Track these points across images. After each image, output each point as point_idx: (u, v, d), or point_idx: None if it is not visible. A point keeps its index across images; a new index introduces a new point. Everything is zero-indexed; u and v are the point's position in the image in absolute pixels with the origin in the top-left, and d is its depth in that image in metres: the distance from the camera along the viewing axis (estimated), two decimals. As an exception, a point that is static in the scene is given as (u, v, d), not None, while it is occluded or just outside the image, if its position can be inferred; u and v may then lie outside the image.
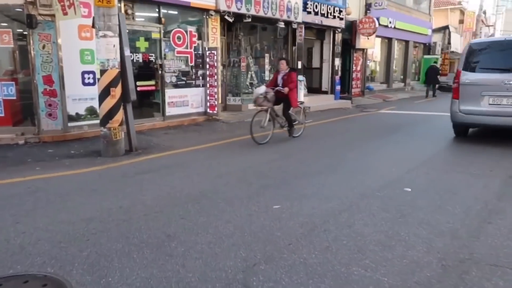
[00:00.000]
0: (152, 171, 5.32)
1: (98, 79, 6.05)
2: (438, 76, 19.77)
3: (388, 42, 20.69)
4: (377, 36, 17.85)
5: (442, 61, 25.62)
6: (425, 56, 25.28)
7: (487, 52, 7.51)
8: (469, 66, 7.37)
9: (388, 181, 4.76)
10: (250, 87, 11.73)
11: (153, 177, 5.00)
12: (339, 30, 14.50)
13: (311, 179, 4.92)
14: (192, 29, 9.48)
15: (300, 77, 12.76)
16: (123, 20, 6.19)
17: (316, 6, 12.89)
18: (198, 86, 9.83)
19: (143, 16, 8.81)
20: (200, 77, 9.87)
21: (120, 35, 6.05)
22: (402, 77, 23.39)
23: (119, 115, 6.14)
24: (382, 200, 4.06)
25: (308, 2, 12.55)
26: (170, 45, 9.05)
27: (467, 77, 7.27)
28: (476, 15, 28.59)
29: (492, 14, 41.53)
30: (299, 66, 12.93)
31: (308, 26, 13.21)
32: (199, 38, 9.73)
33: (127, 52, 6.20)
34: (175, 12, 9.47)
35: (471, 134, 8.25)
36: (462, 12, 29.14)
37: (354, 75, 17.15)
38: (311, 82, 15.13)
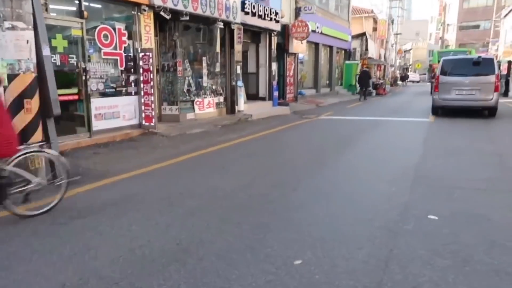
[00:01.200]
0: (94, 212, 3.89)
1: (5, 88, 4.39)
2: (370, 80, 21.05)
3: (315, 47, 20.72)
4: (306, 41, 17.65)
5: (361, 66, 26.59)
6: (347, 62, 26.05)
7: (452, 64, 12.52)
8: (443, 72, 12.31)
9: (401, 207, 3.95)
10: (187, 95, 10.42)
11: (98, 222, 3.59)
12: (275, 33, 13.84)
13: (310, 209, 3.92)
14: (121, 26, 7.95)
15: (239, 83, 11.78)
16: (39, 7, 4.62)
17: (254, 7, 12.04)
18: (130, 94, 8.31)
19: (60, 8, 7.11)
20: (133, 84, 8.36)
21: (35, 27, 4.48)
22: (327, 82, 23.70)
23: (38, 135, 4.55)
24: (419, 237, 3.21)
25: (246, 2, 11.64)
26: (95, 45, 7.45)
27: (442, 79, 12.17)
28: (387, 23, 30.36)
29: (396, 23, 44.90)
30: (238, 71, 11.94)
31: (243, 29, 12.29)
32: (130, 37, 8.22)
33: (46, 51, 4.64)
34: (100, 6, 7.88)
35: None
36: (375, 21, 30.77)
37: (287, 80, 16.65)
38: (247, 88, 14.19)
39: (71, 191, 4.56)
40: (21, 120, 4.39)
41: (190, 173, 5.52)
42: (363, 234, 3.29)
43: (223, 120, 10.76)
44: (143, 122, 8.48)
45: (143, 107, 8.43)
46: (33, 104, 4.44)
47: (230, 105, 11.80)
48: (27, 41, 4.32)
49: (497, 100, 11.79)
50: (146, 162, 6.14)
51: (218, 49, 11.48)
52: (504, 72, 26.92)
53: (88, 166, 5.84)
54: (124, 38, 8.00)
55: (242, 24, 11.57)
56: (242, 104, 11.95)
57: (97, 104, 7.52)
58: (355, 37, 27.11)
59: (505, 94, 24.33)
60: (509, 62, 26.97)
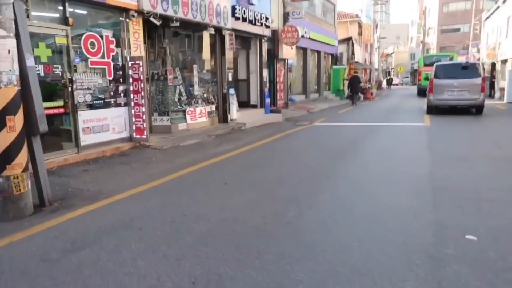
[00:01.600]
0: (90, 242, 3.42)
1: (-16, 103, 3.89)
2: (360, 85, 21.82)
3: (303, 52, 20.50)
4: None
5: (349, 71, 26.53)
6: (334, 67, 25.94)
7: (444, 69, 14.43)
8: (436, 76, 14.17)
9: (432, 225, 3.60)
10: (178, 104, 9.96)
11: (96, 256, 3.13)
12: (266, 38, 13.52)
13: (333, 231, 3.53)
14: (108, 33, 7.47)
15: (231, 91, 11.39)
16: (22, 12, 4.13)
17: (244, 12, 11.69)
18: (119, 105, 7.81)
19: (42, 14, 6.60)
20: (122, 94, 7.87)
21: (17, 35, 4.00)
22: (316, 87, 23.51)
23: (22, 156, 4.05)
24: (466, 264, 2.85)
25: (236, 7, 11.28)
26: (82, 54, 6.94)
27: (436, 81, 13.97)
28: (372, 27, 30.47)
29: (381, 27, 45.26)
30: (229, 78, 11.54)
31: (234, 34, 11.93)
32: (118, 45, 7.74)
33: (30, 61, 4.15)
34: (86, 12, 7.39)
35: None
36: (360, 25, 30.85)
37: (278, 87, 16.33)
38: (238, 95, 13.77)
39: (62, 216, 4.09)
40: (3, 140, 3.89)
41: (191, 190, 5.08)
42: (401, 261, 2.92)
43: (216, 129, 10.33)
44: (134, 134, 7.99)
45: (133, 119, 7.94)
46: (16, 121, 3.95)
47: (223, 114, 11.39)
48: (9, 51, 3.84)
49: (483, 99, 13.75)
50: (141, 179, 5.67)
51: (208, 56, 11.07)
52: (488, 74, 27.29)
53: (78, 186, 5.34)
54: (112, 46, 7.52)
55: (233, 29, 11.20)
56: (234, 113, 11.54)
57: (85, 117, 7.01)
58: (341, 41, 27.07)
59: (489, 95, 24.59)
60: (492, 64, 27.33)
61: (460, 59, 30.02)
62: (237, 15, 11.31)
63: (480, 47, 38.28)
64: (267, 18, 13.05)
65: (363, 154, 7.37)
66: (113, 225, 3.85)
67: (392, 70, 72.49)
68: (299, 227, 3.72)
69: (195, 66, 10.52)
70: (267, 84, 14.23)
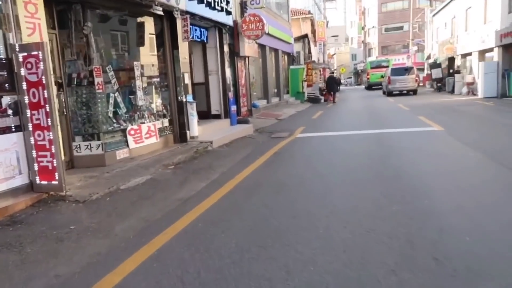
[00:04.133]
0: None
1: None
2: (337, 85, 23.08)
3: (262, 50, 17.72)
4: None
5: (307, 71, 24.25)
6: (292, 67, 23.50)
7: (395, 70, 25.07)
8: (392, 74, 24.51)
9: None
10: (114, 121, 6.66)
11: None
12: (227, 28, 10.51)
13: None
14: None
15: (189, 97, 8.29)
16: None
17: (201, -9, 8.62)
18: (4, 131, 4.43)
19: None
20: (10, 111, 4.49)
21: None
22: (275, 90, 20.82)
23: None
24: None
25: (190, -18, 8.21)
26: None
27: (392, 77, 24.14)
28: (325, 25, 28.55)
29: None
30: (186, 81, 8.39)
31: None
32: (-4, 25, 4.38)
33: None
34: None
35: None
36: (312, 22, 28.81)
37: (240, 91, 13.35)
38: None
39: None
40: None
41: None
42: None
43: (173, 154, 7.16)
44: (37, 180, 4.63)
45: (34, 153, 4.58)
46: None
47: (179, 131, 8.23)
48: None
49: (416, 87, 24.43)
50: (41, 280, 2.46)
51: (155, 50, 7.89)
52: (445, 71, 26.43)
53: None
54: (-17, 26, 4.15)
55: (189, 13, 8.09)
56: (195, 128, 8.41)
57: None
58: (296, 40, 24.73)
59: (451, 91, 23.51)
60: (449, 59, 26.47)
61: (397, 63, 42.20)
62: (191, -7, 8.23)
63: (427, 44, 38.12)
64: (228, 1, 10.06)
65: (405, 181, 4.64)
66: None
67: (335, 70, 72.49)
68: None
69: (136, 64, 7.27)
70: (231, 88, 11.24)
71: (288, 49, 22.53)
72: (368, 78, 37.40)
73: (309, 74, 24.41)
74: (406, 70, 24.24)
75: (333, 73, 27.29)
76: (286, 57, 23.30)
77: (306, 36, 25.12)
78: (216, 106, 10.81)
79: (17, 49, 4.45)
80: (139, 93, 7.22)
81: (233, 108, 10.75)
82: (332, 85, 22.14)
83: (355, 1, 72.00)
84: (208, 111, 10.84)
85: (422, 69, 47.61)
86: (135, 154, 6.87)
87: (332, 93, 22.15)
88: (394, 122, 11.38)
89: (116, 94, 6.66)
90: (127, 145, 6.76)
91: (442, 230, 3.28)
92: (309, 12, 27.65)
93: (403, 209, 3.86)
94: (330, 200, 4.34)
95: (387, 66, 32.76)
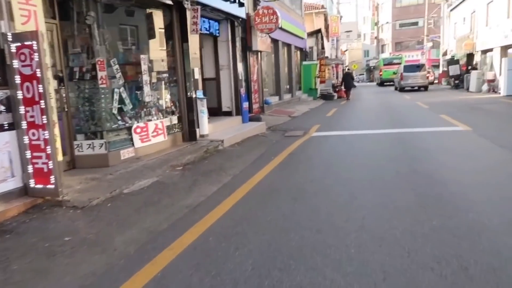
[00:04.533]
0: None
1: None
2: (353, 81, 22.86)
3: (275, 45, 17.17)
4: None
5: (319, 67, 23.59)
6: (304, 63, 22.89)
7: (408, 67, 26.32)
8: (404, 70, 25.58)
9: None
10: (119, 118, 6.22)
11: None
12: (240, 21, 10.00)
13: None
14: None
15: (199, 93, 7.82)
16: None
17: (212, -20, 8.13)
18: (-4, 129, 4.01)
19: None
20: (2, 107, 4.06)
21: None
22: (287, 87, 20.25)
23: None
24: None
25: (201, -29, 7.71)
26: None
27: (404, 74, 25.16)
28: (339, 20, 27.84)
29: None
30: (196, 76, 7.92)
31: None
32: (-14, 11, 3.94)
33: None
34: None
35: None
36: (326, 17, 28.10)
37: (252, 87, 12.84)
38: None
39: None
40: None
41: None
42: None
43: (182, 154, 6.70)
44: (31, 183, 4.19)
45: (28, 154, 4.15)
46: None
47: (188, 128, 7.77)
48: None
49: (427, 83, 25.63)
50: None
51: (164, 43, 7.43)
52: (463, 68, 25.59)
53: None
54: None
55: (199, 3, 7.61)
56: (206, 126, 7.94)
57: None
58: (309, 34, 24.09)
59: (467, 88, 22.70)
60: (468, 55, 25.60)
61: (409, 59, 44.05)
62: (202, -18, 7.74)
63: (443, 39, 37.13)
64: (240, -7, 9.56)
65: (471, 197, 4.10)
66: None
67: (347, 67, 71.53)
68: None
69: (143, 58, 6.81)
70: (243, 84, 10.75)
71: (301, 44, 21.94)
72: (380, 75, 38.19)
73: (322, 70, 23.73)
74: (418, 67, 25.51)
75: (349, 69, 27.98)
76: (298, 52, 22.70)
77: (319, 31, 24.45)
78: (227, 102, 10.32)
79: (10, 39, 4.01)
80: (146, 89, 6.76)
81: (245, 105, 10.25)
82: (349, 81, 22.13)
83: (368, -4, 70.72)
84: (218, 107, 10.37)
85: (437, 66, 46.69)
86: (141, 153, 6.43)
87: (347, 89, 22.01)
88: (415, 121, 10.78)
89: (122, 89, 6.20)
90: (133, 144, 6.31)
91: (499, 253, 2.75)
92: (323, 7, 26.94)
93: (445, 224, 3.33)
94: (358, 211, 3.83)
95: (400, 63, 33.16)
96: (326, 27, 28.07)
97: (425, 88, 24.88)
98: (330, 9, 31.92)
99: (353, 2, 62.05)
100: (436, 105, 14.98)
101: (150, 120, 6.82)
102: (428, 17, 49.59)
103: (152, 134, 6.79)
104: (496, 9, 20.68)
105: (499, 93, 18.40)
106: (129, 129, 6.32)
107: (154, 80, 7.16)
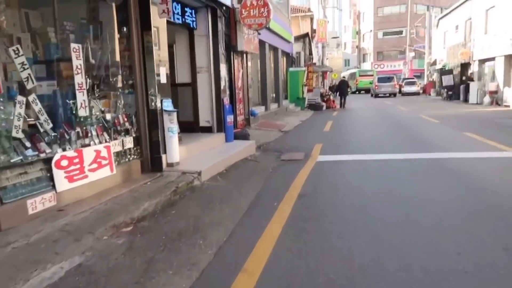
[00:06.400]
0: None
1: None
2: (348, 89, 22.11)
3: (261, 47, 14.92)
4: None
5: (307, 74, 21.53)
6: (291, 69, 20.78)
7: (381, 78, 34.90)
8: (378, 81, 33.99)
9: None
10: (27, 145, 3.77)
11: None
12: (224, 9, 7.70)
13: None
14: None
15: (167, 104, 5.49)
16: None
17: None
18: None
19: None
20: None
21: None
22: (273, 95, 18.03)
23: None
24: None
25: None
26: None
27: (378, 83, 33.56)
28: (326, 24, 25.97)
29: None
30: (163, 79, 5.56)
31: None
32: None
33: None
34: None
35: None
36: (312, 21, 26.18)
37: (236, 95, 10.53)
38: (178, 112, 7.79)
39: None
40: None
41: None
42: None
43: (136, 199, 4.30)
44: None
45: None
46: None
47: (150, 154, 5.38)
48: None
49: (396, 92, 33.21)
50: None
51: (113, 31, 5.07)
52: (457, 77, 24.19)
53: None
54: None
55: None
56: (176, 150, 5.57)
57: None
58: (296, 39, 22.04)
59: (465, 99, 21.16)
60: (462, 65, 24.18)
61: (382, 71, 51.82)
62: None
63: (430, 49, 35.98)
64: (225, -28, 7.26)
65: None
66: None
67: (342, 75, 70.15)
68: None
69: (75, 48, 4.39)
70: (227, 91, 8.43)
71: (287, 48, 19.83)
72: (356, 84, 45.49)
73: (310, 77, 21.70)
74: (389, 79, 33.52)
75: (344, 77, 31.69)
76: (285, 57, 20.59)
77: (307, 35, 22.42)
78: (206, 115, 7.95)
79: None
80: (81, 97, 4.35)
81: (229, 118, 7.93)
82: (345, 89, 21.97)
83: (349, 5, 69.77)
84: (195, 122, 7.99)
85: (420, 76, 45.75)
86: (69, 199, 4.02)
87: (342, 97, 21.84)
88: (441, 141, 8.70)
89: (33, 97, 3.78)
90: (53, 186, 3.89)
91: None
92: (309, 10, 24.99)
93: None
94: None
95: (372, 75, 42.15)
96: (313, 32, 26.15)
97: (394, 95, 32.95)
98: (316, 13, 30.13)
99: (336, 11, 60.58)
100: (446, 119, 13.08)
101: (88, 145, 4.41)
102: (411, 26, 48.83)
103: (90, 167, 4.37)
104: (497, 15, 19.14)
105: (505, 105, 16.74)
106: (47, 161, 3.89)
107: (97, 82, 4.77)
